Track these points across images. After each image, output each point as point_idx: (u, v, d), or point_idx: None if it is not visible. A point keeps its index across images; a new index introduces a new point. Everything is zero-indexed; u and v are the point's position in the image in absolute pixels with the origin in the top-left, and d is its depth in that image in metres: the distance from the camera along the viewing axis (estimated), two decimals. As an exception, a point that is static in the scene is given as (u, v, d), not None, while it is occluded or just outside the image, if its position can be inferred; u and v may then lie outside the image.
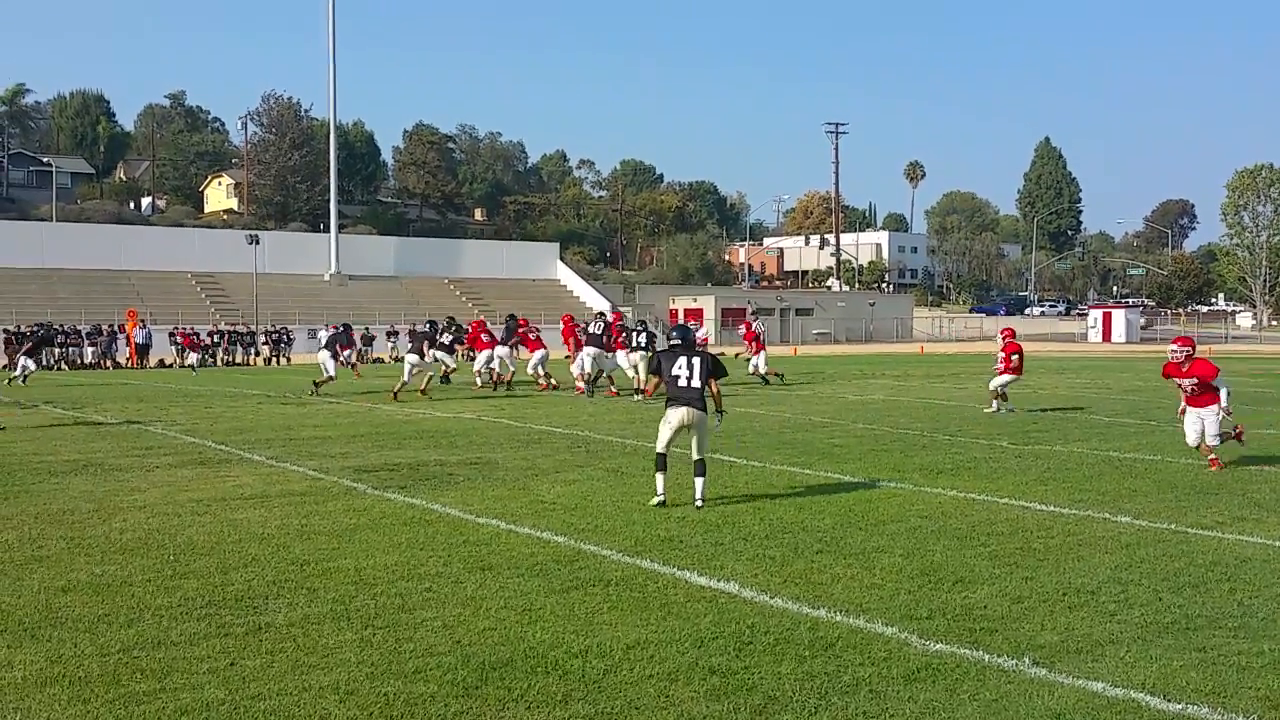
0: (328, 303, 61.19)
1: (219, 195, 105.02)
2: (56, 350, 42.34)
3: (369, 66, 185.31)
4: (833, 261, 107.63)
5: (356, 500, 10.48)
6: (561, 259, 79.03)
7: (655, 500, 10.08)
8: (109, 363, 43.29)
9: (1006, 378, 19.73)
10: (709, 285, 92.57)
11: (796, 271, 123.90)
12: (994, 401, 19.67)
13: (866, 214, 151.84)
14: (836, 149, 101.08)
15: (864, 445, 14.78)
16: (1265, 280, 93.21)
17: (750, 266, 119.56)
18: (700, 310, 72.27)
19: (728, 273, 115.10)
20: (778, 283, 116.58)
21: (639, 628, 6.29)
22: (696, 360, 10.16)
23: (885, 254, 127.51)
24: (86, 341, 43.72)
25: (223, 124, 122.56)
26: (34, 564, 7.82)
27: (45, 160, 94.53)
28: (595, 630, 6.23)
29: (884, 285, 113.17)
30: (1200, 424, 12.52)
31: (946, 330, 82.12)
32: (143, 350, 43.92)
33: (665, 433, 10.20)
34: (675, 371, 10.12)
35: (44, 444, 15.18)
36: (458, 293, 68.61)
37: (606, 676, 5.49)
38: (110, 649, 5.85)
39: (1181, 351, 12.75)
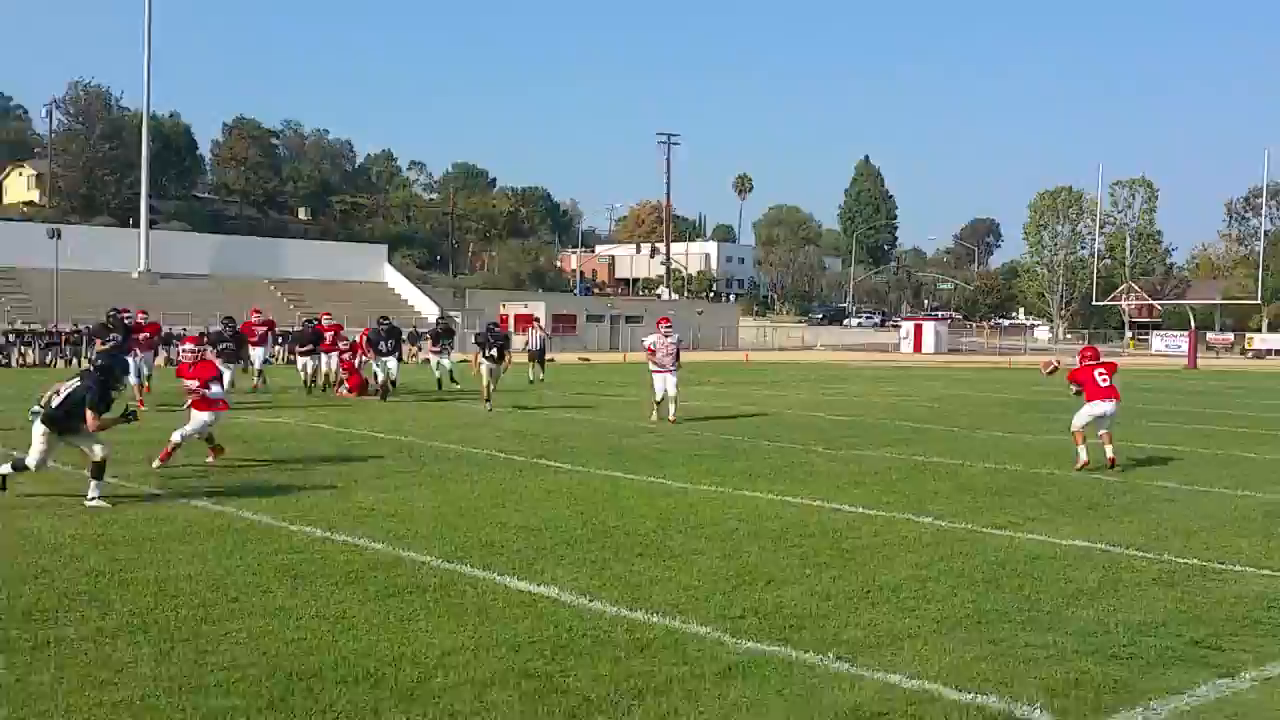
0: (138, 302, 58.31)
1: (19, 186, 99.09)
2: None
3: (187, 55, 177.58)
4: (663, 270, 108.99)
5: (160, 508, 10.02)
6: (390, 261, 77.53)
7: None
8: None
9: None
10: (540, 291, 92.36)
11: (628, 279, 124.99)
12: None
13: (697, 224, 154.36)
14: (668, 159, 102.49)
15: (686, 450, 15.03)
16: (1062, 296, 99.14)
17: (582, 273, 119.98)
18: (530, 316, 72.03)
19: (560, 279, 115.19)
20: (609, 290, 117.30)
21: (455, 634, 6.23)
22: None
23: (714, 264, 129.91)
24: None
25: (26, 111, 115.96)
26: None
27: None
28: (410, 638, 6.15)
29: (711, 294, 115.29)
30: None
31: (770, 339, 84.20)
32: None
33: None
34: None
35: None
36: (279, 294, 66.46)
37: (420, 685, 5.42)
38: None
39: (190, 353, 13.37)
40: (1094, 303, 79.98)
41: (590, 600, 7.00)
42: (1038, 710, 5.22)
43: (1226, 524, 10.12)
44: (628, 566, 7.98)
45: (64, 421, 10.05)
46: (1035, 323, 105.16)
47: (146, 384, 21.27)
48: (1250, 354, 77.10)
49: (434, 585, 7.32)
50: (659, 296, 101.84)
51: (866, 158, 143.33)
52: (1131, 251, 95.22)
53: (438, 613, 6.67)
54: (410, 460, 13.58)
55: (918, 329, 75.20)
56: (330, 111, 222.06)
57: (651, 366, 19.20)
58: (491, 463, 13.51)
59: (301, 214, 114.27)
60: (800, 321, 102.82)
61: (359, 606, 6.76)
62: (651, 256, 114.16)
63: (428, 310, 69.31)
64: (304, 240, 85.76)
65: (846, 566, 8.08)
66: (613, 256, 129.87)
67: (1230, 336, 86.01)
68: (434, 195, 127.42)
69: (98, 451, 9.96)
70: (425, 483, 11.76)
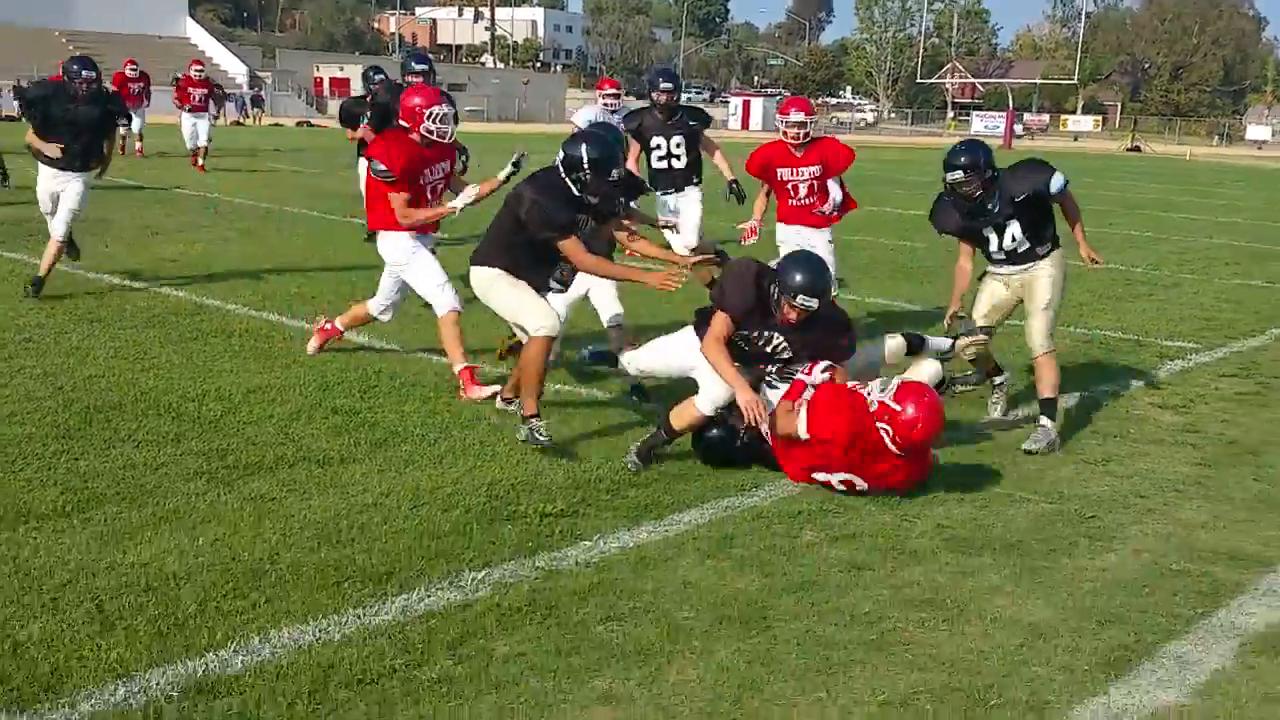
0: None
1: None
2: None
3: None
4: (487, 37, 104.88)
5: (-57, 257, 9.48)
6: (191, 15, 72.10)
7: None
8: None
9: None
10: (357, 54, 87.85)
11: (450, 45, 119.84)
12: None
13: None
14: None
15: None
16: (889, 74, 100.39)
17: (401, 37, 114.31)
18: (347, 80, 68.70)
19: (377, 42, 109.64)
20: (430, 56, 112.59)
21: (261, 374, 6.23)
22: None
23: (540, 32, 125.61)
24: None
25: None
26: None
27: None
28: (215, 377, 6.12)
29: (538, 64, 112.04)
30: None
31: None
32: None
33: None
34: None
35: None
36: (71, 47, 61.23)
37: (224, 417, 5.44)
38: None
39: None
40: (919, 80, 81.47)
41: (401, 348, 7.06)
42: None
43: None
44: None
45: None
46: (862, 102, 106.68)
47: None
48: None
49: (240, 330, 7.24)
50: (483, 64, 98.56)
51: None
52: (958, 30, 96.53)
53: (243, 355, 6.63)
54: (216, 215, 13.12)
55: (746, 105, 75.31)
56: None
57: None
58: (303, 219, 13.19)
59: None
60: (631, 96, 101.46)
61: (160, 348, 6.65)
62: (475, 21, 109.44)
63: (235, 70, 65.30)
64: (94, -13, 78.64)
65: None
66: (434, 20, 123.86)
67: (1045, 118, 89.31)
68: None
69: None
70: (232, 237, 11.43)
